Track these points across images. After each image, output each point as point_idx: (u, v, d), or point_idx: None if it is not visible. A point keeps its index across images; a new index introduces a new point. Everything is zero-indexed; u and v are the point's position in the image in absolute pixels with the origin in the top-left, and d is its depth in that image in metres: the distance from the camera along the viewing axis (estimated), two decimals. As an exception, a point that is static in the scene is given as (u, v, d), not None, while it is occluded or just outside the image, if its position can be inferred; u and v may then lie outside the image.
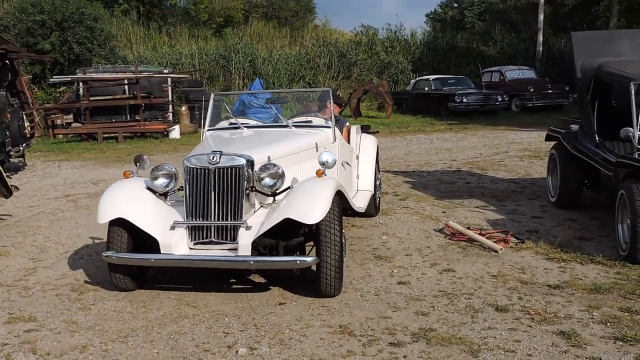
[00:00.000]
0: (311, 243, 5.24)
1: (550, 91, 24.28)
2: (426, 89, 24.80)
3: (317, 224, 4.96)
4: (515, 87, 24.68)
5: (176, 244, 5.10)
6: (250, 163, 5.22)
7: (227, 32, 31.44)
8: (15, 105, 17.16)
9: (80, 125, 19.69)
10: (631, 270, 5.58)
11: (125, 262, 5.22)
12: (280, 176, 5.22)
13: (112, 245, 5.23)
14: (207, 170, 5.14)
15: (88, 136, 18.66)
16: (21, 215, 8.68)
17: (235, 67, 26.80)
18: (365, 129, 8.35)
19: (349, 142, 7.60)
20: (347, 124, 7.93)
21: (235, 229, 5.10)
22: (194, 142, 16.91)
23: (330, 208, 4.95)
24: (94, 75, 19.96)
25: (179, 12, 34.54)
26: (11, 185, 8.24)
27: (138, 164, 5.81)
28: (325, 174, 5.33)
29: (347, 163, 7.14)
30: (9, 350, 4.29)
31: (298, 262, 4.97)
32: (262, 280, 5.63)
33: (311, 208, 4.89)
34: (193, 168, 5.19)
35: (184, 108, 20.74)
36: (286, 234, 5.10)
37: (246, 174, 5.14)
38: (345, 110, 21.09)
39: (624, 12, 30.84)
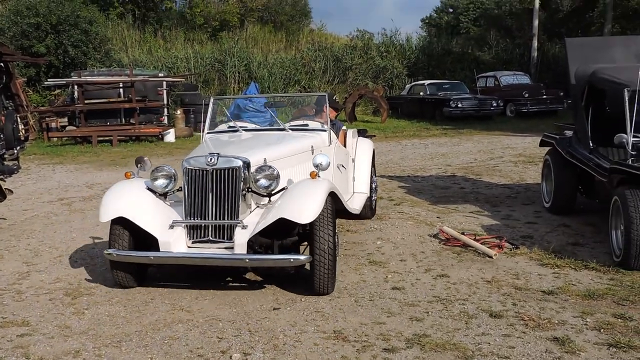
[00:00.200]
0: (306, 243, 5.37)
1: (544, 97, 24.37)
2: (421, 93, 24.85)
3: (311, 224, 5.12)
4: (510, 92, 24.76)
5: (175, 242, 5.26)
6: (247, 165, 5.39)
7: (223, 36, 31.46)
8: (10, 108, 17.14)
9: (74, 128, 19.64)
10: (625, 276, 5.59)
11: (125, 260, 5.37)
12: (276, 177, 5.40)
13: (113, 243, 5.39)
14: (205, 172, 5.30)
15: (83, 139, 18.63)
16: (15, 219, 8.66)
17: (231, 71, 26.80)
18: (361, 133, 8.47)
19: (345, 146, 7.73)
20: (344, 127, 8.06)
21: (231, 228, 5.26)
22: (188, 145, 16.91)
23: (324, 208, 5.11)
24: (89, 79, 19.92)
25: (175, 16, 34.53)
26: (5, 189, 8.22)
27: (139, 165, 5.97)
28: (319, 176, 5.46)
29: (343, 166, 7.24)
30: (2, 355, 4.26)
31: (292, 260, 5.10)
32: (257, 278, 5.63)
33: (304, 208, 5.04)
34: (191, 169, 5.35)
35: (179, 112, 20.72)
36: (281, 234, 5.27)
37: (243, 175, 5.31)
38: (340, 114, 21.11)
39: (618, 19, 30.98)
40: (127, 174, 5.80)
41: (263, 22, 36.33)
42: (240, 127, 7.19)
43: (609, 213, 6.21)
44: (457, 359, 4.07)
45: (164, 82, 20.99)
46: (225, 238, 5.28)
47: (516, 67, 29.73)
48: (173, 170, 5.68)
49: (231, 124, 7.30)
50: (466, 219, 7.99)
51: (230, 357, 4.17)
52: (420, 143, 17.50)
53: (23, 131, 15.79)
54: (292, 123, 7.25)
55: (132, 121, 19.65)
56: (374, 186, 8.20)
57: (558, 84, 26.04)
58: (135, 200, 5.46)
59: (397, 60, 30.46)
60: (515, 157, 13.87)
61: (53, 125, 19.66)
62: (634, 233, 5.55)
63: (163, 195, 5.63)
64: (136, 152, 16.48)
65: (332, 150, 6.80)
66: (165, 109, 20.81)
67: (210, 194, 5.29)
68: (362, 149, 8.00)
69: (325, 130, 6.95)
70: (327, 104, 7.25)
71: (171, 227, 5.33)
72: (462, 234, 6.92)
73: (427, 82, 25.97)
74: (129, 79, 19.55)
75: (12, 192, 10.44)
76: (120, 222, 5.38)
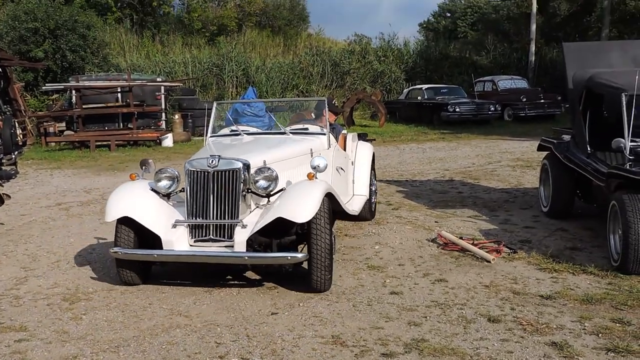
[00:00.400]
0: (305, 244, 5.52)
1: (542, 101, 24.42)
2: (419, 98, 24.88)
3: (308, 223, 5.31)
4: (508, 96, 24.81)
5: (177, 241, 5.48)
6: (247, 167, 5.59)
7: (221, 41, 31.49)
8: (8, 113, 17.10)
9: (72, 133, 19.64)
10: (623, 280, 5.59)
11: (130, 258, 5.58)
12: (274, 179, 5.61)
13: (118, 242, 5.60)
14: (206, 173, 5.52)
15: (80, 144, 18.62)
16: (13, 224, 8.64)
17: (229, 75, 26.81)
18: (362, 137, 8.64)
19: (345, 149, 7.89)
20: (344, 131, 8.24)
21: (232, 227, 5.47)
22: (186, 150, 16.92)
23: (320, 208, 5.30)
24: (87, 83, 19.93)
25: (173, 21, 34.55)
26: (3, 194, 8.21)
27: (143, 167, 6.17)
28: (316, 177, 5.64)
29: (342, 168, 7.40)
30: (0, 361, 4.26)
31: (289, 257, 5.29)
32: (256, 277, 5.63)
33: (301, 208, 5.24)
34: (194, 171, 5.57)
35: (177, 116, 20.72)
36: (279, 233, 5.48)
37: (243, 176, 5.53)
38: (339, 119, 21.12)
39: (615, 23, 31.09)
40: (132, 175, 6.01)
41: (261, 27, 36.39)
42: (242, 130, 7.38)
43: (606, 217, 6.22)
44: (456, 364, 4.07)
45: (162, 87, 21.03)
46: (226, 237, 5.48)
47: (514, 72, 29.82)
48: (176, 172, 5.90)
49: (233, 127, 7.49)
50: (464, 224, 7.99)
51: (229, 362, 4.17)
52: (418, 147, 17.51)
53: (21, 136, 15.78)
54: (293, 127, 7.41)
55: (130, 126, 19.65)
56: (373, 189, 8.34)
57: (556, 88, 26.11)
58: (139, 201, 5.67)
59: (395, 65, 30.52)
60: (513, 161, 13.89)
61: (51, 130, 19.68)
62: (631, 237, 5.55)
63: (166, 196, 5.84)
64: (134, 156, 16.48)
65: (331, 153, 6.97)
66: (163, 114, 20.83)
67: (212, 195, 5.50)
68: (361, 153, 8.17)
69: (324, 134, 7.10)
70: (327, 108, 7.41)
71: (174, 226, 5.54)
72: (460, 238, 6.92)
73: (424, 86, 26.02)
74: (127, 83, 19.55)
75: (9, 197, 10.42)
76: (126, 222, 5.59)
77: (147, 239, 5.62)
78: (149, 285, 5.77)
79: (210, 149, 6.42)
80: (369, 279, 5.86)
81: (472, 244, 6.73)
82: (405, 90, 27.09)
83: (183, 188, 5.76)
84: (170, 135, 19.42)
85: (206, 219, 5.52)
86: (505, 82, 26.10)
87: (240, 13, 35.93)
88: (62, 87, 20.81)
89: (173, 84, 22.60)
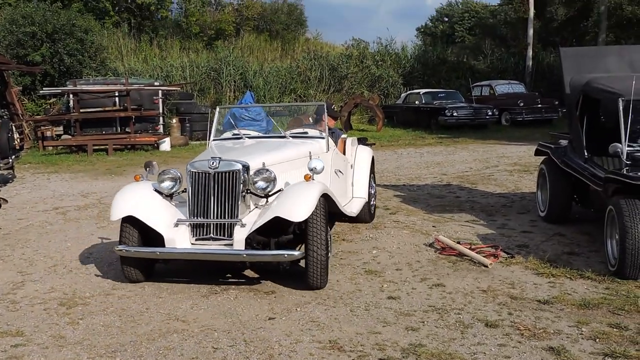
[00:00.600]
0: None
1: (539, 105, 24.44)
2: (417, 102, 24.88)
3: (305, 223, 5.52)
4: (505, 101, 24.82)
5: (179, 239, 5.70)
6: (246, 168, 5.82)
7: (218, 45, 31.53)
8: (5, 117, 17.09)
9: (70, 137, 19.62)
10: (620, 285, 5.59)
11: (134, 255, 5.80)
12: (272, 180, 5.81)
13: (123, 240, 5.84)
14: (207, 174, 5.75)
15: (78, 148, 18.61)
16: (10, 228, 8.63)
17: (226, 79, 26.82)
18: (362, 141, 8.83)
19: (344, 153, 8.06)
20: (344, 136, 8.43)
21: (231, 226, 5.69)
22: (184, 154, 16.92)
23: (316, 208, 5.51)
24: (85, 87, 19.91)
25: (170, 25, 34.57)
26: (0, 198, 8.21)
27: (148, 169, 6.44)
28: (313, 179, 5.83)
29: (340, 171, 7.56)
30: (-4, 366, 4.25)
31: (285, 255, 5.47)
32: (254, 282, 5.62)
33: (298, 207, 5.45)
34: (195, 172, 5.81)
35: (174, 120, 20.71)
36: (277, 232, 5.71)
37: (242, 178, 5.76)
38: (337, 123, 21.12)
39: (612, 28, 31.16)
40: (136, 176, 6.29)
41: (259, 31, 36.43)
42: (244, 134, 7.60)
43: (604, 222, 6.22)
44: (453, 369, 4.07)
45: (160, 91, 21.02)
46: (226, 235, 5.69)
47: (511, 76, 29.84)
48: (179, 173, 6.13)
49: (235, 131, 7.70)
50: (462, 228, 7.99)
51: (226, 367, 4.17)
52: (416, 152, 17.52)
53: (18, 140, 15.73)
54: (293, 131, 7.58)
55: (127, 130, 19.63)
56: (372, 192, 8.49)
57: (553, 92, 26.16)
58: (143, 201, 5.91)
59: (393, 69, 30.54)
60: (510, 166, 13.90)
61: (48, 134, 19.66)
62: (629, 242, 5.56)
63: (169, 196, 6.08)
64: (131, 161, 16.48)
65: (329, 156, 7.16)
66: (161, 118, 20.80)
67: (212, 195, 5.73)
68: (361, 156, 8.36)
69: (323, 138, 7.27)
70: (326, 113, 7.63)
71: (176, 225, 5.76)
72: (458, 243, 6.92)
73: (422, 90, 26.02)
74: (125, 87, 19.55)
75: (6, 201, 10.43)
76: (130, 221, 5.83)
77: (151, 237, 5.84)
78: (146, 290, 5.77)
79: (212, 151, 6.64)
80: (366, 283, 5.86)
81: (470, 248, 6.73)
82: (403, 95, 27.09)
83: (185, 189, 5.96)
84: (167, 139, 19.42)
85: (207, 218, 5.73)
86: (503, 87, 26.12)
87: (238, 17, 35.98)
88: (60, 91, 20.78)
89: (171, 88, 22.59)
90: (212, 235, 5.74)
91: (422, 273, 6.14)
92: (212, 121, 7.51)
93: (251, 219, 5.70)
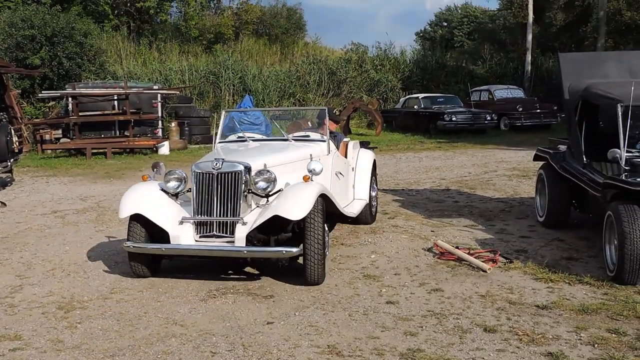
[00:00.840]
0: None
1: (538, 111, 24.48)
2: (415, 107, 24.91)
3: (303, 221, 5.75)
4: (504, 106, 24.86)
5: (184, 236, 5.98)
6: (248, 169, 6.07)
7: (218, 49, 31.54)
8: (4, 120, 17.07)
9: (69, 140, 19.60)
10: (619, 290, 5.59)
11: (141, 251, 6.09)
12: (273, 180, 6.05)
13: (130, 237, 6.11)
14: (211, 175, 6.02)
15: (77, 152, 18.59)
16: (8, 232, 8.62)
17: (225, 83, 26.85)
18: (364, 145, 9.06)
19: (346, 156, 8.25)
20: (345, 139, 8.63)
21: (233, 224, 5.95)
22: (183, 158, 16.92)
23: (314, 207, 5.76)
24: (83, 91, 19.92)
25: (170, 28, 34.57)
26: (-2, 201, 8.20)
27: (155, 169, 6.72)
28: (311, 180, 6.08)
29: (341, 173, 7.74)
30: (-6, 370, 4.24)
31: (284, 252, 5.75)
32: (253, 286, 5.62)
33: (296, 207, 5.70)
34: (199, 173, 6.08)
35: (173, 124, 20.72)
36: (277, 230, 5.95)
37: (244, 178, 6.01)
38: (337, 127, 21.14)
39: (611, 33, 31.23)
40: (144, 177, 6.63)
41: (258, 35, 36.45)
42: (249, 137, 7.86)
43: (602, 228, 6.22)
44: (452, 374, 4.06)
45: (159, 95, 21.01)
46: (228, 233, 5.95)
47: (510, 81, 29.90)
48: (184, 174, 6.43)
49: (240, 134, 7.97)
50: (460, 233, 7.99)
51: (224, 372, 4.16)
52: (415, 156, 17.53)
53: (17, 143, 15.71)
54: (295, 134, 7.85)
55: (126, 133, 19.62)
56: (374, 194, 8.68)
57: (552, 98, 26.19)
58: (150, 200, 6.20)
59: (392, 74, 30.61)
60: (509, 171, 13.90)
61: (47, 137, 19.64)
62: (627, 248, 5.55)
63: (175, 195, 6.36)
64: (130, 164, 16.47)
65: (330, 158, 7.38)
66: (160, 122, 20.80)
67: (216, 195, 5.99)
68: (362, 159, 8.56)
69: (324, 141, 7.49)
70: (327, 117, 7.83)
71: (181, 223, 6.03)
72: (457, 247, 6.92)
73: (421, 95, 26.07)
74: (124, 91, 19.55)
75: (5, 204, 10.43)
76: (137, 219, 6.11)
77: (157, 234, 6.11)
78: (145, 294, 5.77)
79: (217, 153, 6.90)
80: (365, 288, 5.85)
81: (468, 253, 6.73)
82: (402, 99, 27.12)
83: (190, 188, 6.25)
84: (166, 143, 19.41)
85: (210, 216, 5.99)
86: (502, 92, 26.16)
87: (237, 21, 36.00)
88: (59, 94, 20.80)
89: (170, 92, 22.59)
90: (215, 232, 5.99)
91: (420, 278, 6.14)
92: (218, 124, 7.82)
93: (252, 217, 5.93)
